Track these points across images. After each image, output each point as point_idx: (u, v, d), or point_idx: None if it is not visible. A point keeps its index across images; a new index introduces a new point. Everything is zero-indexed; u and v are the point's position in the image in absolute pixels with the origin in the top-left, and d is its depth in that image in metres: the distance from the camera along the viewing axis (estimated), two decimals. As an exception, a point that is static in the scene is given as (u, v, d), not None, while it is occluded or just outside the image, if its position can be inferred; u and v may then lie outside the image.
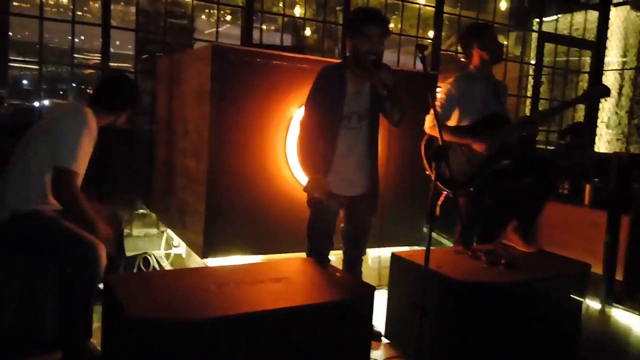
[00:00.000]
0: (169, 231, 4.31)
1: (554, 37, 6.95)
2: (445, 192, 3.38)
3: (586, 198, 4.47)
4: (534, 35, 6.96)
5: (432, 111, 3.45)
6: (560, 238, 4.34)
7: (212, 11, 6.74)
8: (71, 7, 4.58)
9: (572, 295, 2.99)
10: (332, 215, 3.01)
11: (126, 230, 4.55)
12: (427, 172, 3.56)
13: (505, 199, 3.58)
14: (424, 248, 4.04)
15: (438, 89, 3.73)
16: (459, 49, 3.81)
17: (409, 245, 4.11)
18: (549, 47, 6.92)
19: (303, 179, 3.54)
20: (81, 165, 2.69)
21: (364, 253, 3.19)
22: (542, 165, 3.45)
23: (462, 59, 3.62)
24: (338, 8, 5.44)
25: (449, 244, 5.02)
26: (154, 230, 4.76)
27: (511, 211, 3.51)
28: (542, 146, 6.85)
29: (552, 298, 2.91)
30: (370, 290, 2.41)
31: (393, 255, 3.04)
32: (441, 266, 2.75)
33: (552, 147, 6.87)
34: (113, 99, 2.91)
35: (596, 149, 7.14)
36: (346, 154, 2.89)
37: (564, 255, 3.29)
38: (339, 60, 3.06)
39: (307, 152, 2.86)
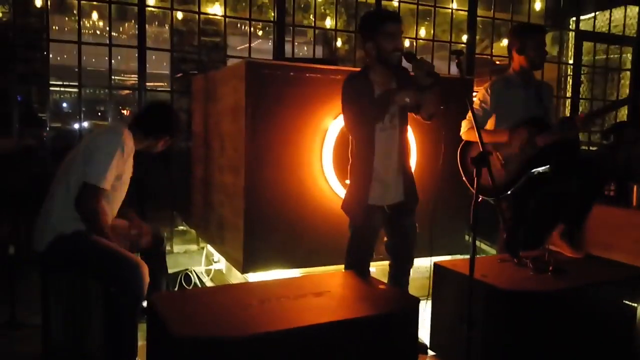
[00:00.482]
0: (209, 247, 4.34)
1: (592, 36, 6.76)
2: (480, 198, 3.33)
3: (634, 199, 4.30)
4: (571, 34, 6.80)
5: (468, 116, 3.42)
6: (608, 241, 4.17)
7: (244, 27, 6.82)
8: (107, 29, 4.68)
9: (625, 301, 2.87)
10: (375, 229, 2.97)
11: (167, 248, 4.60)
12: (464, 179, 3.51)
13: (550, 204, 3.48)
14: (466, 256, 4.01)
15: (475, 93, 3.66)
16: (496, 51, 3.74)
17: (450, 254, 4.03)
18: (587, 45, 6.74)
19: (341, 191, 3.53)
20: (110, 183, 2.70)
21: (412, 264, 3.12)
22: (587, 167, 3.33)
23: (498, 62, 3.55)
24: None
25: (491, 250, 4.92)
26: (194, 247, 4.80)
27: (556, 216, 3.40)
28: (585, 147, 6.66)
29: (604, 304, 2.80)
30: (414, 302, 2.35)
31: (436, 265, 2.97)
32: (487, 275, 2.67)
33: (595, 148, 6.67)
34: (150, 124, 2.96)
35: (642, 148, 6.89)
36: (384, 158, 2.85)
37: (613, 260, 3.17)
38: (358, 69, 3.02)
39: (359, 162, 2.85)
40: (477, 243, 4.79)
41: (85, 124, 7.40)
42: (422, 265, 3.90)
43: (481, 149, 2.35)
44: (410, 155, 3.02)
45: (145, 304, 2.59)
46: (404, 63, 2.87)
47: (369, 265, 3.02)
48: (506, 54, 3.48)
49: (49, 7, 4.57)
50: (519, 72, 3.36)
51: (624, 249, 3.93)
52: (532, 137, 3.22)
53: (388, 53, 2.74)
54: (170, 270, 3.88)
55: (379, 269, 3.57)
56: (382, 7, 5.49)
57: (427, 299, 3.19)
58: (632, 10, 6.83)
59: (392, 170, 2.89)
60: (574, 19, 6.58)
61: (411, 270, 3.48)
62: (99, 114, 9.36)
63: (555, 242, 3.32)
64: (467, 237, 4.37)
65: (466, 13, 5.70)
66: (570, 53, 6.79)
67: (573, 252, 3.23)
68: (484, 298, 2.53)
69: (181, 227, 5.20)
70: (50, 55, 4.70)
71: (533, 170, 3.27)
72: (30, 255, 2.75)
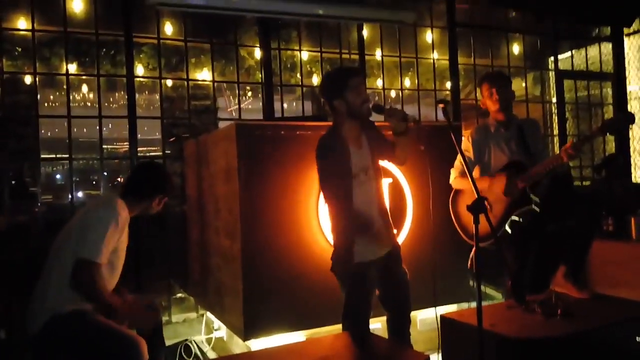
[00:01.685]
0: (209, 314, 4.24)
1: (571, 74, 6.91)
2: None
3: (633, 232, 4.28)
4: (551, 73, 6.95)
5: (455, 164, 3.48)
6: (613, 277, 4.13)
7: (233, 91, 6.92)
8: (97, 101, 4.73)
9: (638, 338, 2.81)
10: (370, 288, 2.88)
11: (165, 317, 4.50)
12: (457, 227, 3.55)
13: (550, 245, 3.46)
14: (472, 304, 3.94)
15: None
16: (479, 96, 3.84)
17: (456, 303, 3.96)
18: (568, 83, 6.88)
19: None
20: (105, 257, 2.65)
21: (409, 315, 3.02)
22: (582, 205, 3.33)
23: (482, 106, 3.62)
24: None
25: (497, 295, 4.85)
26: (193, 315, 4.70)
27: (558, 257, 3.37)
28: (577, 182, 6.69)
29: (616, 344, 2.74)
30: (423, 359, 2.29)
31: (442, 317, 2.91)
32: (495, 324, 2.62)
33: (588, 182, 6.70)
34: (141, 187, 2.93)
35: (634, 179, 6.93)
36: (367, 210, 2.82)
37: (621, 297, 3.13)
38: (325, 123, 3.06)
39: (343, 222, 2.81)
40: (482, 288, 4.73)
41: (80, 194, 7.39)
42: (428, 317, 3.83)
43: (476, 195, 2.34)
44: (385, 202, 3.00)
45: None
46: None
47: (368, 323, 2.88)
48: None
49: (37, 83, 4.62)
50: (494, 116, 3.47)
51: (630, 284, 3.89)
52: (513, 181, 3.25)
53: (358, 106, 2.77)
54: (169, 342, 3.78)
55: (384, 324, 3.49)
56: (365, 62, 5.61)
57: (436, 353, 3.11)
58: (607, 46, 7.01)
59: (375, 222, 2.85)
60: (552, 58, 6.74)
61: (418, 323, 3.41)
62: (93, 183, 9.36)
63: (560, 283, 3.29)
64: (471, 283, 4.32)
65: (447, 61, 5.83)
66: (553, 92, 6.91)
67: (579, 293, 3.19)
68: (495, 348, 2.47)
69: (179, 295, 5.11)
70: (42, 130, 4.72)
71: (518, 212, 3.28)
72: (23, 339, 2.66)
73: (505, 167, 3.35)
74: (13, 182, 5.48)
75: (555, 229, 3.37)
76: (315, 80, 6.37)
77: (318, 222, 3.52)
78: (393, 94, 6.74)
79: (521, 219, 3.30)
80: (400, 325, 3.00)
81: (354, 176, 2.80)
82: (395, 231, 3.00)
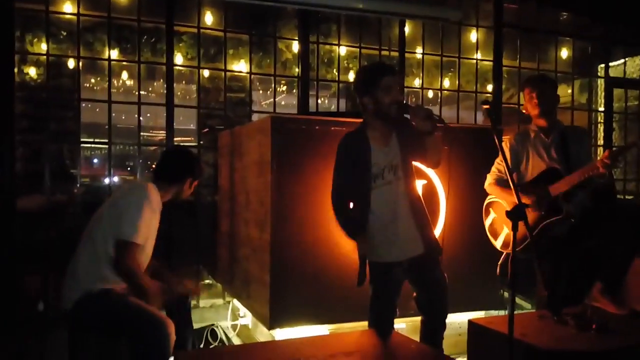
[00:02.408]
0: (235, 301, 4.26)
1: (623, 82, 6.65)
2: (505, 252, 3.39)
3: (676, 249, 4.10)
4: (601, 81, 6.71)
5: (492, 169, 3.40)
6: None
7: (269, 85, 6.92)
8: (137, 88, 4.79)
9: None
10: (391, 287, 2.87)
11: (192, 302, 4.54)
12: (488, 234, 3.52)
13: (587, 260, 3.35)
14: (501, 312, 3.85)
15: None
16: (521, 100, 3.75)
17: (485, 310, 3.87)
18: (617, 92, 6.63)
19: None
20: (142, 238, 2.72)
21: (444, 321, 2.97)
22: (624, 221, 3.20)
23: (524, 111, 3.53)
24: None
25: (525, 304, 4.74)
26: (220, 301, 4.74)
27: (596, 270, 3.26)
28: (620, 196, 6.46)
29: (652, 365, 2.62)
30: (448, 362, 2.23)
31: (471, 323, 2.84)
32: (526, 334, 2.53)
33: (631, 197, 6.47)
34: (171, 171, 3.02)
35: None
36: (388, 211, 2.79)
37: (661, 316, 2.99)
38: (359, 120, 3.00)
39: (341, 221, 2.86)
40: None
41: (116, 179, 7.54)
42: (455, 321, 3.76)
43: (517, 201, 2.25)
44: (422, 205, 2.91)
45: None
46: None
47: (391, 323, 2.90)
48: (533, 103, 3.46)
49: (80, 67, 4.70)
50: (535, 122, 3.38)
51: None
52: (544, 191, 3.18)
53: (385, 106, 2.72)
54: (196, 325, 3.82)
55: (409, 325, 3.44)
56: (404, 59, 5.52)
57: (460, 357, 3.05)
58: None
59: (400, 224, 2.80)
60: (603, 65, 6.50)
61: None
62: (129, 169, 9.53)
63: (596, 298, 3.18)
64: (501, 292, 4.22)
65: (491, 63, 5.69)
66: (601, 100, 6.68)
67: (616, 309, 3.07)
68: (523, 358, 2.38)
69: (207, 281, 5.15)
70: (82, 114, 4.80)
71: (547, 222, 3.19)
72: (59, 312, 2.74)
73: (541, 175, 3.25)
74: (54, 163, 5.62)
75: (594, 244, 3.25)
76: (352, 76, 6.31)
77: (348, 219, 3.48)
78: (431, 94, 6.62)
79: (554, 230, 3.20)
80: (432, 330, 2.96)
81: (375, 176, 2.78)
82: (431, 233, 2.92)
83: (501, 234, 3.45)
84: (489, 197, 3.54)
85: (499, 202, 3.47)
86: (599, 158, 3.03)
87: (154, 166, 3.23)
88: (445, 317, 2.96)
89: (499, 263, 3.48)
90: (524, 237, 3.09)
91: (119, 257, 2.65)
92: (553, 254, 3.27)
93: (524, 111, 3.54)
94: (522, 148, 3.38)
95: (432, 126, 2.64)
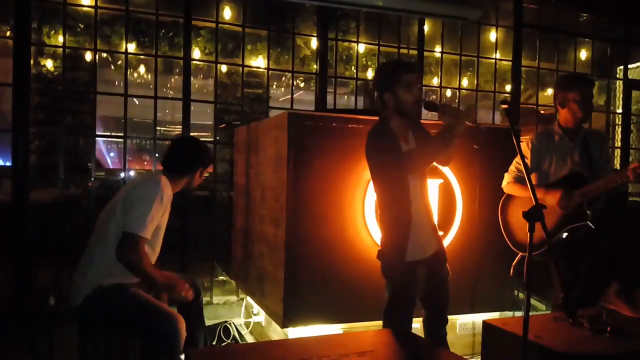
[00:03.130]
0: (249, 298, 4.26)
1: (642, 84, 6.58)
2: (521, 253, 3.33)
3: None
4: (619, 83, 6.63)
5: (510, 168, 3.35)
6: (670, 300, 3.91)
7: (287, 81, 6.92)
8: (153, 82, 4.80)
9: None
10: (416, 289, 2.84)
11: (206, 298, 4.55)
12: (503, 234, 3.46)
13: (603, 261, 3.30)
14: (516, 313, 3.82)
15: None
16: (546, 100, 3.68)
17: (499, 311, 3.83)
18: (636, 94, 6.56)
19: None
20: (149, 232, 2.70)
21: (446, 316, 2.96)
22: (637, 223, 3.15)
23: (543, 112, 3.47)
24: (410, 68, 5.43)
25: (540, 305, 4.70)
26: (233, 298, 4.74)
27: (611, 272, 3.21)
28: (636, 198, 6.39)
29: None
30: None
31: (485, 323, 2.81)
32: (540, 336, 2.49)
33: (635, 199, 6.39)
34: (182, 162, 2.97)
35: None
36: (419, 207, 2.76)
37: (678, 320, 2.94)
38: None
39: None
40: (523, 297, 4.58)
41: (131, 173, 7.58)
42: (469, 322, 3.74)
43: (534, 202, 2.23)
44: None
45: (183, 357, 2.53)
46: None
47: (411, 325, 2.83)
48: (551, 103, 3.39)
49: (97, 60, 4.72)
50: (563, 125, 3.27)
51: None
52: (568, 194, 3.11)
53: (407, 104, 2.68)
54: (209, 322, 3.82)
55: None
56: (423, 58, 5.48)
57: (474, 358, 3.03)
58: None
59: (426, 219, 2.79)
60: (622, 67, 6.43)
61: (457, 327, 3.32)
62: (145, 163, 9.58)
63: (612, 300, 3.13)
64: (516, 292, 4.18)
65: (509, 63, 5.64)
66: (619, 102, 6.60)
67: (632, 312, 3.03)
68: (538, 360, 2.36)
69: (221, 278, 5.16)
70: (98, 108, 4.82)
71: (570, 227, 3.13)
72: (69, 307, 2.74)
73: (564, 179, 3.20)
74: (69, 156, 5.66)
75: (608, 246, 3.21)
76: (370, 74, 6.28)
77: (363, 218, 3.47)
78: (449, 93, 6.58)
79: (574, 234, 3.15)
80: (437, 325, 2.94)
81: None
82: (441, 233, 2.91)
83: (516, 234, 3.42)
84: (505, 196, 3.50)
85: (515, 201, 3.43)
86: (630, 167, 2.89)
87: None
88: (447, 311, 2.94)
89: (513, 264, 3.45)
90: (541, 240, 3.05)
91: (124, 248, 2.62)
92: (570, 256, 3.23)
93: (542, 112, 3.48)
94: (545, 149, 3.30)
95: (462, 125, 2.58)
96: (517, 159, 3.35)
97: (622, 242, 3.13)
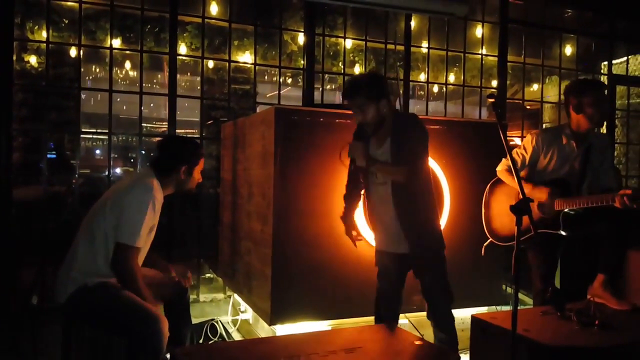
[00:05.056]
0: (236, 296, 4.24)
1: (626, 79, 6.64)
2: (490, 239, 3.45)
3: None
4: (604, 78, 6.69)
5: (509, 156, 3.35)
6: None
7: (274, 75, 6.88)
8: (139, 78, 4.75)
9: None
10: (384, 274, 2.95)
11: (193, 296, 4.52)
12: (482, 221, 3.52)
13: (580, 251, 3.35)
14: (504, 308, 3.83)
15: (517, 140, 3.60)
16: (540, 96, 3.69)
17: (487, 305, 3.84)
18: (620, 89, 6.63)
19: (372, 240, 3.44)
20: (143, 241, 2.68)
21: (439, 321, 2.93)
22: (613, 210, 3.15)
23: (528, 107, 3.48)
24: (398, 64, 5.42)
25: (528, 300, 4.72)
26: (220, 295, 4.72)
27: (591, 264, 3.25)
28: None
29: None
30: (452, 358, 2.21)
31: (474, 318, 2.82)
32: (529, 330, 2.51)
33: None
34: (167, 162, 2.89)
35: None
36: (380, 208, 2.89)
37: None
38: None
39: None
40: (511, 291, 4.60)
41: (118, 170, 7.50)
42: (457, 316, 3.72)
43: (521, 196, 2.23)
44: (418, 208, 2.85)
45: (168, 356, 2.51)
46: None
47: (391, 312, 2.98)
48: (537, 98, 3.40)
49: (81, 56, 4.66)
50: (575, 129, 3.24)
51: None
52: (552, 198, 3.13)
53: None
54: (196, 320, 3.80)
55: (413, 320, 3.41)
56: (410, 54, 5.48)
57: (463, 352, 3.02)
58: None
59: (389, 220, 2.85)
60: (606, 63, 6.48)
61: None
62: (131, 160, 9.49)
63: (598, 293, 3.16)
64: (504, 287, 4.20)
65: (495, 58, 5.66)
66: (603, 97, 6.65)
67: (618, 304, 3.06)
68: (527, 354, 2.37)
69: (208, 275, 5.13)
70: (83, 104, 4.76)
71: (543, 231, 3.16)
72: (53, 305, 2.70)
73: (552, 182, 3.20)
74: (53, 153, 5.59)
75: (583, 234, 3.23)
76: (357, 69, 6.27)
77: (351, 213, 3.46)
78: (436, 88, 6.59)
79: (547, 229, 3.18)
80: (434, 327, 2.97)
81: (371, 172, 2.89)
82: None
83: (492, 222, 3.46)
84: (489, 185, 3.52)
85: (498, 191, 3.45)
86: (619, 193, 2.86)
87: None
88: (435, 314, 2.91)
89: (484, 244, 3.48)
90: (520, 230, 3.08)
91: (119, 260, 2.61)
92: (545, 246, 3.26)
93: (528, 107, 3.49)
94: (548, 149, 3.26)
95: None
96: (519, 149, 3.36)
97: (596, 229, 3.14)
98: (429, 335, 3.06)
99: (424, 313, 2.98)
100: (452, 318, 2.90)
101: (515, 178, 2.42)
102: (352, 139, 2.92)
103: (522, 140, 3.33)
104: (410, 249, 2.83)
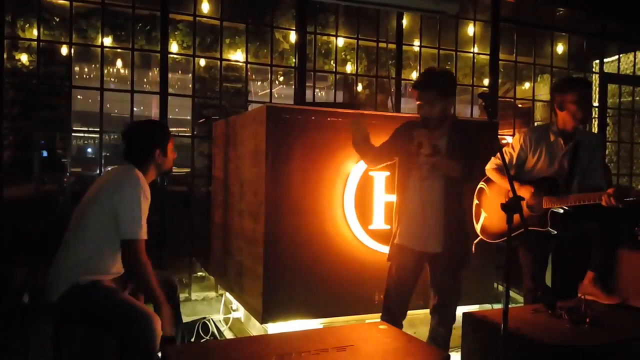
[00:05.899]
0: (228, 294, 4.23)
1: (617, 78, 6.67)
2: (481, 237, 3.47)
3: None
4: (595, 76, 6.72)
5: (498, 154, 3.36)
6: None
7: (265, 75, 6.87)
8: (130, 76, 4.73)
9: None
10: (400, 269, 2.95)
11: (184, 294, 4.51)
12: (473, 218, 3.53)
13: (571, 249, 3.37)
14: (495, 306, 3.84)
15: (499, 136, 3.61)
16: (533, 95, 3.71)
17: (479, 304, 3.86)
18: (612, 88, 6.65)
19: (364, 237, 3.44)
20: (145, 230, 2.69)
21: (444, 318, 2.99)
22: (600, 207, 3.17)
23: (520, 105, 3.50)
24: (390, 62, 5.42)
25: (519, 298, 4.74)
26: (212, 294, 4.70)
27: (581, 261, 3.28)
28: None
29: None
30: (442, 357, 2.21)
31: (465, 315, 2.83)
32: (520, 327, 2.53)
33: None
34: (139, 149, 2.86)
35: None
36: (415, 204, 2.92)
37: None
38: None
39: None
40: (503, 289, 4.61)
41: (109, 168, 7.46)
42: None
43: (512, 195, 2.24)
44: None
45: (160, 355, 2.50)
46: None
47: (398, 308, 3.01)
48: (529, 97, 3.42)
49: (72, 54, 4.63)
50: (561, 127, 3.27)
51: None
52: (536, 197, 3.16)
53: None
54: (187, 319, 3.79)
55: (408, 317, 3.42)
56: (402, 52, 5.49)
57: (455, 351, 3.04)
58: (658, 52, 6.75)
59: (428, 217, 2.89)
60: (598, 61, 6.51)
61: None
62: (122, 159, 9.44)
63: (588, 290, 3.18)
64: (495, 285, 4.21)
65: (487, 57, 5.67)
66: (595, 96, 6.68)
67: (608, 298, 3.11)
68: (518, 352, 2.39)
69: (200, 273, 5.12)
70: (75, 103, 4.74)
71: (531, 229, 3.19)
72: (44, 304, 2.69)
73: (540, 180, 3.21)
74: (44, 151, 5.56)
75: (573, 233, 3.25)
76: (349, 68, 6.27)
77: (343, 212, 3.47)
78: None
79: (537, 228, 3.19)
80: (434, 327, 3.05)
81: (415, 167, 3.00)
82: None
83: (480, 219, 3.47)
84: (477, 189, 3.54)
85: (488, 191, 3.47)
86: (606, 192, 2.90)
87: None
88: (445, 318, 2.99)
89: (475, 242, 3.50)
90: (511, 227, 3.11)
91: (131, 257, 2.62)
92: (533, 244, 3.28)
93: (520, 105, 3.51)
94: (536, 147, 3.29)
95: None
96: (508, 148, 3.38)
97: (586, 226, 3.16)
98: (420, 333, 3.08)
99: (416, 311, 3.00)
100: (455, 316, 3.00)
101: (507, 176, 2.44)
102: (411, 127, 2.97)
103: (513, 139, 3.35)
104: (444, 248, 2.89)
